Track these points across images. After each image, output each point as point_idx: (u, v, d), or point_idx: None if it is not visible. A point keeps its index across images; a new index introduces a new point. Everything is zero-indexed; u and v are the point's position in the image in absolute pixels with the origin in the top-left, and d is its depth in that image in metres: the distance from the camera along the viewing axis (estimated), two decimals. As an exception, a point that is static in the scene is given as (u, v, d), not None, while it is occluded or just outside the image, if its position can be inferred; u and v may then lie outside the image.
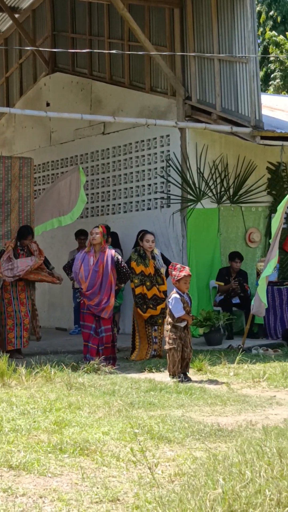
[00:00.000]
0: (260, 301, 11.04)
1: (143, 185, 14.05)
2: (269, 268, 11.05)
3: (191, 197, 13.08)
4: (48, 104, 16.53)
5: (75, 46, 15.99)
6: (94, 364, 9.42)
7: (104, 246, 10.42)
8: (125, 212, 14.47)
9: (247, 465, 4.69)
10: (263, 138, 12.48)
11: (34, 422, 6.41)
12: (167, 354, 9.21)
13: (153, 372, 9.73)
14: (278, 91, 26.29)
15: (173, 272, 9.30)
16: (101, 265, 10.29)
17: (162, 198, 13.51)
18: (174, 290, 9.32)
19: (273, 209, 13.37)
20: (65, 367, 9.01)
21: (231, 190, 13.44)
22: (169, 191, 13.36)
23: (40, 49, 16.09)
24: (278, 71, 26.86)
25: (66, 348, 11.75)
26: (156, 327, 10.99)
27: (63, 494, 4.62)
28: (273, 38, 26.51)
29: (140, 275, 11.02)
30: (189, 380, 9.00)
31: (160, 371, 9.76)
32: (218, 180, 13.32)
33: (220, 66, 12.89)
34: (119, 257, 10.42)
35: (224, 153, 13.41)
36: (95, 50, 14.89)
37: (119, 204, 14.63)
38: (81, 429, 6.17)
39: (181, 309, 9.13)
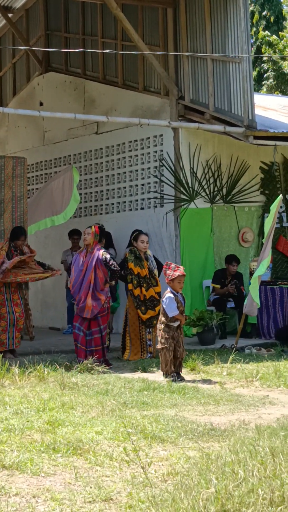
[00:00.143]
0: (252, 300, 11.06)
1: (136, 185, 14.06)
2: (262, 268, 11.07)
3: (184, 197, 13.09)
4: (41, 104, 16.52)
5: (68, 45, 15.99)
6: (87, 364, 9.42)
7: (94, 246, 10.40)
8: (118, 211, 14.47)
9: (240, 465, 4.70)
10: (256, 138, 12.49)
11: (28, 421, 6.41)
12: (160, 354, 9.23)
13: (146, 371, 9.74)
14: (271, 91, 26.33)
15: (168, 272, 9.30)
16: (85, 265, 10.32)
17: (155, 197, 13.52)
18: (168, 289, 9.33)
19: (266, 209, 13.40)
20: (58, 367, 9.02)
21: (224, 190, 13.45)
22: (163, 190, 13.37)
23: (33, 48, 16.08)
24: (271, 71, 26.90)
25: (60, 348, 11.74)
26: (150, 329, 10.97)
27: (56, 494, 4.62)
28: (266, 38, 26.58)
29: (137, 277, 11.01)
30: (182, 379, 9.01)
31: (153, 372, 9.76)
32: (211, 180, 13.33)
33: (213, 66, 12.90)
34: (107, 256, 10.35)
35: (217, 153, 13.42)
36: (88, 50, 14.90)
37: (112, 204, 14.63)
38: (75, 429, 6.17)
39: (175, 308, 9.14)
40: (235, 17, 12.38)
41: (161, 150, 13.47)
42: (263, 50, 26.89)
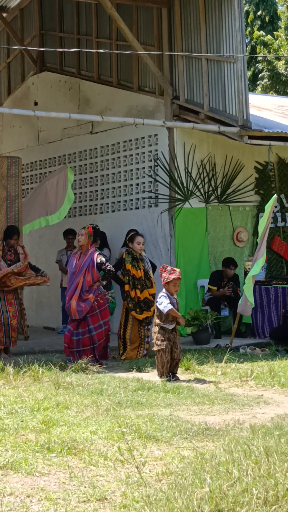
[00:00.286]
0: (246, 300, 11.07)
1: (131, 185, 14.06)
2: (257, 267, 11.09)
3: (179, 197, 13.09)
4: (36, 103, 16.51)
5: (63, 45, 15.98)
6: (82, 364, 9.42)
7: (88, 247, 10.41)
8: (113, 211, 14.47)
9: (235, 464, 4.70)
10: (250, 137, 12.51)
11: (22, 421, 6.41)
12: (156, 356, 9.19)
13: (141, 371, 9.74)
14: (265, 90, 26.35)
15: (163, 274, 9.27)
16: (78, 267, 10.34)
17: (150, 197, 13.52)
18: (163, 290, 9.30)
19: (260, 209, 13.41)
20: (53, 367, 9.02)
21: (219, 190, 13.46)
22: (157, 190, 13.37)
23: (28, 48, 16.07)
24: (265, 71, 26.92)
25: (54, 348, 11.73)
26: (148, 326, 10.94)
27: (51, 493, 4.62)
28: (261, 37, 26.61)
29: (132, 279, 11.00)
30: (177, 379, 9.00)
31: (147, 371, 9.76)
32: (206, 180, 13.34)
33: (208, 66, 12.90)
34: (102, 259, 10.38)
35: (212, 152, 13.42)
36: (83, 50, 14.89)
37: (107, 204, 14.62)
38: (69, 428, 6.17)
39: (168, 304, 9.07)
40: (229, 17, 12.39)
41: (156, 150, 13.47)
42: (257, 50, 26.92)
